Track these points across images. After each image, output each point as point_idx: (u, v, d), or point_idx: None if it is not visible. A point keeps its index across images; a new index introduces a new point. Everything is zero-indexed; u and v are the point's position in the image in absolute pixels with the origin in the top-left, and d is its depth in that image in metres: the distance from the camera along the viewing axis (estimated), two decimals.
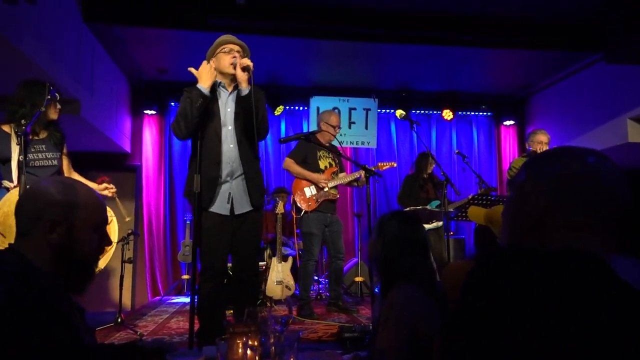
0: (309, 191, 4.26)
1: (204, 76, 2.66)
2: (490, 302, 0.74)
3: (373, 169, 3.70)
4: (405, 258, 1.66)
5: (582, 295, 0.70)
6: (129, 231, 4.94)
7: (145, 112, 6.37)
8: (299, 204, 4.26)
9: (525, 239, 0.90)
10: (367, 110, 6.63)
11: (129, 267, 5.82)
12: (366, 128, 6.66)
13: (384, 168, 4.53)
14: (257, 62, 6.07)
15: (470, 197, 4.04)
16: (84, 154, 6.06)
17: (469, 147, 7.15)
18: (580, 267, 0.73)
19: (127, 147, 6.26)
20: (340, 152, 4.06)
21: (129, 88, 6.26)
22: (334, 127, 4.37)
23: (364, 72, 6.18)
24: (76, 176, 3.26)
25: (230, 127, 2.71)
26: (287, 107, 6.67)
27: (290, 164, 4.30)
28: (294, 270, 4.84)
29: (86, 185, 1.28)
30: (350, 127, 6.58)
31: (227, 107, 2.74)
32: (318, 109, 6.51)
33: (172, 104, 6.48)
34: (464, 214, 3.93)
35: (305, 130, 6.70)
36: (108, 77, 5.38)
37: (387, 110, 6.95)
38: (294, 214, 4.51)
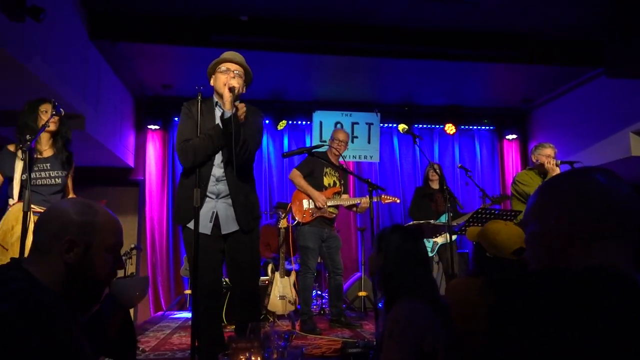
0: (307, 204, 4.27)
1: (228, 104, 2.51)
2: (526, 327, 0.74)
3: (376, 198, 3.68)
4: (407, 272, 1.65)
5: (620, 315, 0.71)
6: (132, 246, 4.95)
7: (149, 127, 6.42)
8: (294, 214, 4.29)
9: (555, 260, 0.91)
10: (370, 124, 6.66)
11: None
12: (369, 142, 6.68)
13: (386, 202, 4.51)
14: (260, 78, 6.11)
15: (473, 212, 4.04)
16: (88, 168, 6.10)
17: (472, 161, 7.16)
18: (613, 287, 0.74)
19: (131, 162, 6.30)
20: (346, 169, 4.06)
21: (133, 103, 6.32)
22: (339, 141, 4.39)
23: (367, 87, 6.23)
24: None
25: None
26: (290, 122, 6.70)
27: (296, 176, 4.33)
28: (296, 285, 4.83)
29: (104, 207, 1.30)
30: (352, 142, 6.60)
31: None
32: (321, 123, 6.54)
33: (176, 119, 6.54)
34: (467, 229, 3.92)
35: (307, 144, 6.73)
36: (112, 93, 5.44)
37: (390, 125, 6.98)
38: (287, 222, 4.52)
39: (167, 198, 6.44)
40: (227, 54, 2.70)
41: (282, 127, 6.52)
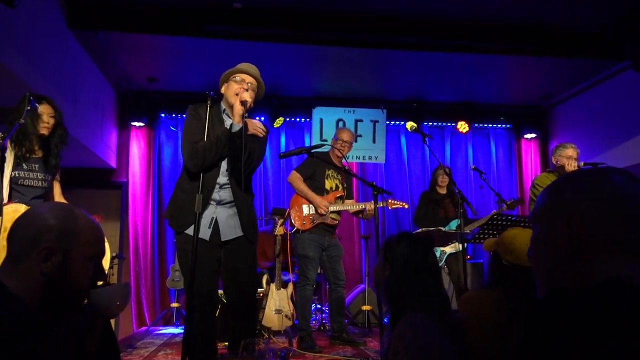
0: (307, 209, 4.26)
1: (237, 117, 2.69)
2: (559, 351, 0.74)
3: (382, 203, 3.67)
4: (416, 284, 1.65)
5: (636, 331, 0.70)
6: (113, 254, 4.95)
7: (133, 124, 6.43)
8: (293, 220, 4.28)
9: (564, 269, 0.90)
10: (375, 122, 6.67)
11: None
12: (374, 142, 6.69)
13: (393, 207, 4.50)
14: (259, 70, 6.12)
15: (487, 218, 4.04)
16: (66, 169, 6.05)
17: (487, 162, 7.16)
18: (630, 303, 0.74)
19: (113, 163, 6.30)
20: (350, 171, 4.06)
21: (115, 98, 6.33)
22: (342, 141, 4.38)
23: (372, 81, 6.24)
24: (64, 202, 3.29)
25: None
26: (288, 119, 6.72)
27: (295, 179, 4.31)
28: (294, 298, 4.82)
29: (86, 214, 1.30)
30: (356, 141, 6.60)
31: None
32: (321, 120, 6.55)
33: (162, 115, 6.55)
34: (481, 237, 3.92)
35: (307, 144, 6.73)
36: (93, 87, 5.45)
37: (397, 122, 6.98)
38: (285, 230, 4.51)
39: (152, 202, 6.44)
40: (244, 65, 2.90)
41: (278, 125, 6.53)
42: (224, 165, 2.79)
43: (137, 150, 6.52)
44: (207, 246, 2.73)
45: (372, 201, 3.36)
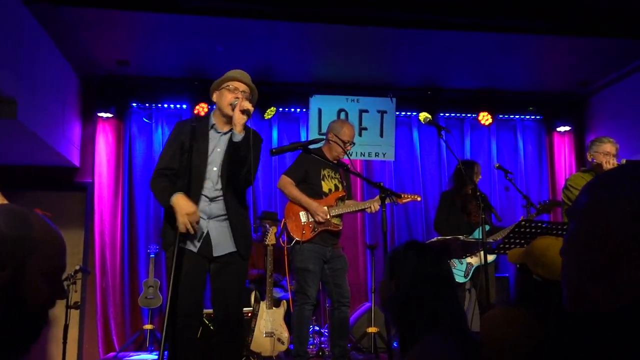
0: (305, 217, 4.24)
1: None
2: None
3: (390, 199, 3.63)
4: (428, 301, 1.65)
5: None
6: (77, 267, 4.94)
7: (100, 115, 6.41)
8: (290, 231, 4.25)
9: (597, 280, 0.89)
10: (383, 112, 6.67)
11: (75, 315, 5.78)
12: (381, 136, 6.69)
13: (404, 201, 4.49)
14: (243, 53, 6.10)
15: (514, 225, 4.04)
16: (21, 168, 6.08)
17: (513, 160, 7.17)
18: None
19: (76, 160, 6.29)
20: (349, 168, 4.05)
21: (79, 85, 6.32)
22: (344, 142, 4.36)
23: (379, 65, 6.23)
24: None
25: (215, 168, 3.16)
26: (281, 109, 6.71)
27: (286, 184, 4.28)
28: (287, 319, 4.81)
29: (44, 220, 1.27)
30: (360, 135, 6.60)
31: (217, 147, 3.20)
32: (320, 111, 6.54)
33: (134, 104, 6.54)
34: (506, 247, 3.92)
35: (303, 138, 6.72)
36: (53, 71, 5.43)
37: (408, 113, 6.98)
38: (283, 243, 4.49)
39: (122, 206, 6.43)
40: (235, 73, 3.22)
41: (270, 116, 6.52)
42: (213, 177, 3.13)
43: (104, 145, 6.51)
44: (195, 259, 3.05)
45: (377, 197, 3.36)
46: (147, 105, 6.57)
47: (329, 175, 4.38)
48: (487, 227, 4.86)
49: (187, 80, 6.33)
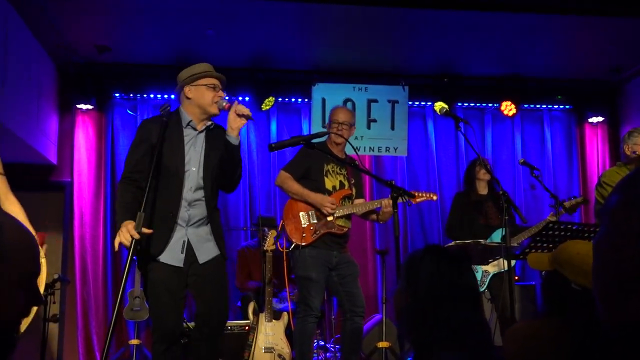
0: (306, 218, 4.22)
1: None
2: None
3: (403, 197, 3.59)
4: (446, 313, 1.64)
5: None
6: (55, 276, 4.94)
7: (79, 107, 6.42)
8: (288, 234, 4.24)
9: (629, 292, 0.89)
10: (394, 102, 6.66)
11: (54, 328, 5.79)
12: (392, 128, 6.68)
13: (418, 201, 4.45)
14: (238, 37, 6.11)
15: (540, 227, 4.03)
16: None
17: (540, 154, 7.16)
18: None
19: (52, 157, 6.31)
20: (357, 165, 4.03)
21: (55, 74, 6.33)
22: (338, 123, 4.33)
23: (389, 49, 6.23)
24: (13, 201, 3.30)
25: (194, 169, 3.25)
26: (280, 99, 6.71)
27: (285, 179, 4.27)
28: (289, 332, 4.81)
29: (14, 221, 1.27)
30: (369, 127, 6.60)
31: (194, 147, 3.28)
32: (324, 101, 6.54)
33: (117, 95, 6.55)
34: (532, 251, 3.91)
35: (305, 132, 6.72)
36: (27, 59, 5.44)
37: (422, 103, 6.97)
38: (281, 248, 4.48)
39: (105, 208, 6.45)
40: (208, 67, 3.37)
41: (268, 107, 6.51)
42: (192, 179, 3.23)
43: (84, 140, 6.53)
44: (177, 274, 3.15)
45: (390, 197, 3.34)
46: (131, 95, 6.58)
47: (333, 171, 4.34)
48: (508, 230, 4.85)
49: (175, 68, 6.17)
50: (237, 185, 3.47)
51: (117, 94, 6.56)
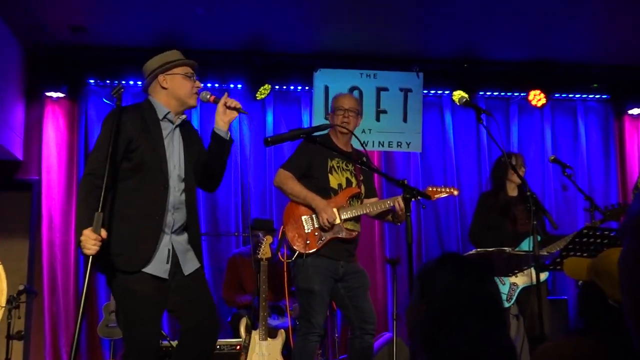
0: (309, 222, 4.22)
1: None
2: None
3: (417, 195, 3.59)
4: (465, 330, 1.65)
5: None
6: (20, 287, 4.96)
7: (49, 95, 6.43)
8: (290, 242, 4.22)
9: None
10: (407, 91, 6.66)
11: (18, 346, 5.79)
12: (404, 121, 6.68)
13: (437, 196, 4.43)
14: (231, 18, 6.12)
15: (575, 234, 4.04)
16: None
17: (573, 150, 7.17)
18: None
19: (18, 152, 6.32)
20: (366, 161, 4.02)
21: (23, 57, 6.34)
22: (344, 110, 4.32)
23: (402, 31, 6.23)
24: None
25: (175, 167, 3.28)
26: (277, 87, 6.72)
27: (285, 179, 4.25)
28: (286, 353, 4.83)
29: None
30: (378, 119, 6.60)
31: (172, 142, 3.31)
32: (327, 89, 6.54)
33: (92, 81, 6.55)
34: (564, 261, 3.91)
35: (306, 124, 6.72)
36: None
37: (439, 92, 6.97)
38: (281, 257, 4.48)
39: None
40: (181, 55, 3.41)
41: (263, 96, 6.52)
42: (174, 180, 3.25)
43: (54, 133, 6.53)
44: (160, 287, 3.15)
45: (401, 196, 3.33)
46: (108, 82, 6.58)
47: (338, 167, 4.33)
48: (539, 238, 4.85)
49: (159, 51, 6.24)
50: (219, 185, 3.53)
51: (91, 81, 6.56)
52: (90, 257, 2.83)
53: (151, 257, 3.10)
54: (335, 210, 4.17)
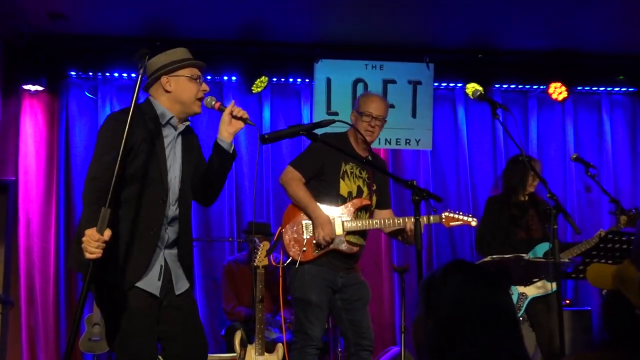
0: (309, 228, 4.21)
1: None
2: None
3: (427, 197, 3.55)
4: (476, 344, 1.65)
5: None
6: None
7: (26, 88, 6.42)
8: (285, 246, 4.23)
9: None
10: (416, 84, 6.66)
11: None
12: (414, 116, 6.68)
13: (452, 224, 4.37)
14: (226, 4, 6.12)
15: (598, 239, 4.04)
16: None
17: (598, 148, 7.16)
18: None
19: None
20: (382, 167, 4.01)
21: None
22: (369, 118, 4.30)
23: (411, 18, 6.23)
24: None
25: (174, 178, 3.28)
26: (275, 80, 6.72)
27: (292, 180, 4.22)
28: None
29: None
30: None
31: (174, 151, 3.31)
32: (329, 81, 6.54)
33: (73, 73, 6.54)
34: (586, 269, 3.92)
35: (306, 119, 6.72)
36: None
37: (451, 85, 6.98)
38: (273, 262, 4.48)
39: (57, 213, 6.45)
40: (188, 54, 3.37)
41: (260, 89, 6.52)
42: (173, 191, 3.25)
43: (31, 129, 6.53)
44: (153, 305, 3.17)
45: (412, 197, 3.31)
46: (90, 74, 6.57)
47: (352, 173, 4.31)
48: (550, 246, 4.85)
49: (146, 40, 6.32)
50: (216, 200, 3.56)
51: (73, 72, 6.55)
52: (91, 262, 2.79)
53: (144, 273, 3.12)
54: (339, 220, 4.17)
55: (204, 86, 3.33)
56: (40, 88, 6.42)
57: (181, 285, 3.29)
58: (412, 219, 3.81)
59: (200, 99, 3.31)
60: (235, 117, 3.23)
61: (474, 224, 4.41)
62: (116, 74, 6.53)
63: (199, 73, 3.34)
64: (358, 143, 4.31)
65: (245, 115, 3.24)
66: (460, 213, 4.39)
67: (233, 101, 3.38)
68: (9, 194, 6.48)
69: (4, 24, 6.08)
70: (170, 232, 3.25)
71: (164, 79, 3.25)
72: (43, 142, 6.57)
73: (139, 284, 3.10)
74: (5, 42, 6.35)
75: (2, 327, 6.13)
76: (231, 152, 3.25)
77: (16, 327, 6.32)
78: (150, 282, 3.14)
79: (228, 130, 3.23)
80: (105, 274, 3.01)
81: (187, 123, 3.36)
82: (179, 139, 3.33)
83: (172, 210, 3.24)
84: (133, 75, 6.49)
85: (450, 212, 4.36)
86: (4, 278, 6.37)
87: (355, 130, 4.27)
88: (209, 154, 3.33)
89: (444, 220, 4.32)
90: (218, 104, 3.30)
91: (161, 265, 3.20)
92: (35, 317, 6.34)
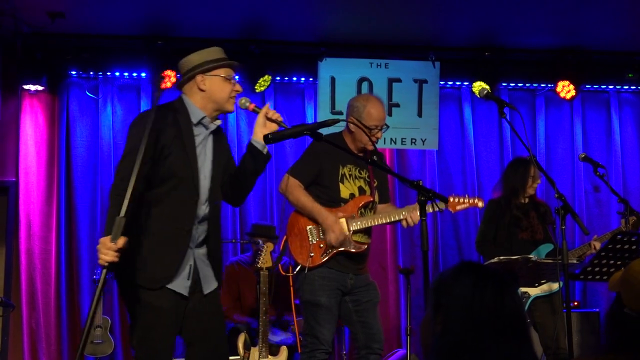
0: (314, 233, 4.20)
1: None
2: None
3: (433, 197, 3.54)
4: (486, 348, 1.65)
5: None
6: None
7: (26, 88, 6.43)
8: (292, 254, 4.22)
9: None
10: (422, 82, 6.66)
11: None
12: (419, 115, 6.67)
13: (459, 208, 4.39)
14: (227, 1, 6.12)
15: (610, 238, 4.04)
16: None
17: (606, 147, 7.15)
18: None
19: None
20: (382, 164, 4.00)
21: None
22: (370, 128, 4.29)
23: (416, 16, 6.23)
24: None
25: (205, 178, 3.34)
26: (278, 79, 6.73)
27: (292, 188, 4.21)
28: None
29: None
30: (390, 114, 6.58)
31: (205, 150, 3.38)
32: (333, 80, 6.53)
33: (73, 72, 6.55)
34: (596, 270, 3.92)
35: (309, 120, 6.73)
36: None
37: (458, 83, 6.97)
38: (282, 271, 4.48)
39: (58, 215, 6.45)
40: (223, 54, 3.44)
41: (263, 88, 6.52)
42: (204, 191, 3.31)
43: (32, 130, 6.53)
44: (180, 304, 3.23)
45: (416, 204, 3.32)
46: (91, 73, 6.58)
47: (351, 175, 4.30)
48: (552, 247, 4.85)
49: (147, 39, 6.33)
50: (245, 200, 3.65)
51: (73, 72, 6.56)
52: (105, 269, 2.82)
53: (176, 273, 3.19)
54: (343, 221, 4.17)
55: (238, 86, 3.40)
56: (40, 88, 6.43)
57: (209, 284, 3.35)
58: (414, 208, 4.02)
59: (233, 98, 3.38)
60: (269, 120, 3.29)
61: (480, 205, 4.42)
62: (117, 73, 6.54)
63: (233, 73, 3.42)
64: (352, 143, 4.30)
65: (280, 119, 3.30)
66: (466, 196, 4.39)
67: (268, 103, 3.49)
68: (9, 196, 6.48)
69: (3, 23, 6.08)
70: (200, 232, 3.32)
71: (199, 77, 3.31)
72: (44, 143, 6.57)
73: (169, 285, 3.17)
74: (5, 41, 6.35)
75: (3, 330, 6.14)
76: (265, 153, 3.31)
77: (17, 330, 6.32)
78: (180, 283, 3.21)
79: (263, 132, 3.25)
80: (134, 271, 3.10)
81: (219, 122, 3.42)
82: (210, 139, 3.39)
83: (203, 209, 3.30)
84: (134, 74, 6.51)
85: (455, 196, 4.36)
86: (4, 281, 6.37)
87: (351, 132, 4.30)
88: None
89: (450, 205, 4.31)
90: (252, 106, 3.36)
91: (190, 265, 3.26)
92: (37, 319, 6.33)
